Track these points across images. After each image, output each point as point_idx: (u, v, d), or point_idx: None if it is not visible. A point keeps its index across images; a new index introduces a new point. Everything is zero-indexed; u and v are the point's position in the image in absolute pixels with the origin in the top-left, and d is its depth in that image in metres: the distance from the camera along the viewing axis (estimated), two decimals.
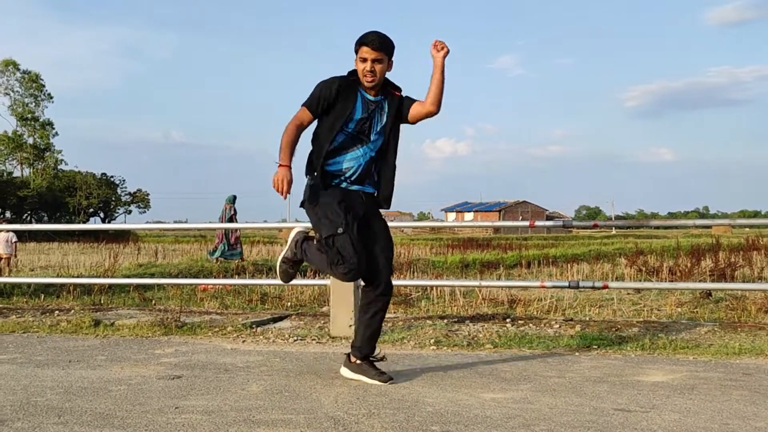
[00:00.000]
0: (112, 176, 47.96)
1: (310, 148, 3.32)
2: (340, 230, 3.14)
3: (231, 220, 12.80)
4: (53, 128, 47.42)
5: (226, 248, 12.93)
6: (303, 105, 3.27)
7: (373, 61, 3.18)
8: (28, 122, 46.78)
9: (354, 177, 3.27)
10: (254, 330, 4.90)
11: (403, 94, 3.36)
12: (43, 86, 47.02)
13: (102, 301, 6.81)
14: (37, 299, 6.80)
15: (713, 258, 9.41)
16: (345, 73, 3.29)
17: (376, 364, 3.35)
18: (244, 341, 4.54)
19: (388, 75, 3.30)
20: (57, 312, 5.80)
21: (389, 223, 3.48)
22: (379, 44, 3.18)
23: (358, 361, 3.35)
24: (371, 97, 3.28)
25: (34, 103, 46.95)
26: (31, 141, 47.08)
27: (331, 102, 3.22)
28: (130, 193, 49.92)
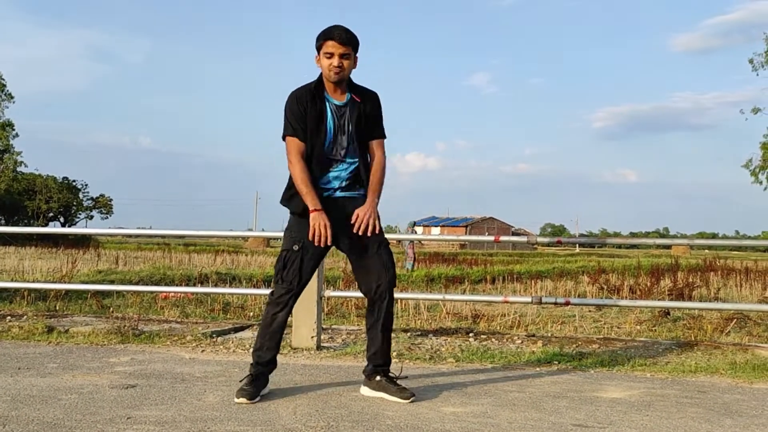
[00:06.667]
0: (74, 180, 46.88)
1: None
2: (295, 247, 3.10)
3: (411, 240, 15.48)
4: (13, 129, 46.16)
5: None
6: (286, 136, 3.09)
7: (341, 56, 3.03)
8: None
9: (343, 185, 3.15)
10: (214, 339, 4.81)
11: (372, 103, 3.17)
12: (5, 86, 45.85)
13: (57, 308, 6.61)
14: None
15: (672, 278, 9.61)
16: (303, 85, 3.12)
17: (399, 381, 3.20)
18: (203, 351, 4.45)
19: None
20: (9, 318, 5.60)
21: None
22: (347, 38, 3.03)
23: (378, 378, 3.21)
24: (339, 102, 3.14)
25: None
26: None
27: (304, 119, 3.05)
28: (92, 198, 48.85)
